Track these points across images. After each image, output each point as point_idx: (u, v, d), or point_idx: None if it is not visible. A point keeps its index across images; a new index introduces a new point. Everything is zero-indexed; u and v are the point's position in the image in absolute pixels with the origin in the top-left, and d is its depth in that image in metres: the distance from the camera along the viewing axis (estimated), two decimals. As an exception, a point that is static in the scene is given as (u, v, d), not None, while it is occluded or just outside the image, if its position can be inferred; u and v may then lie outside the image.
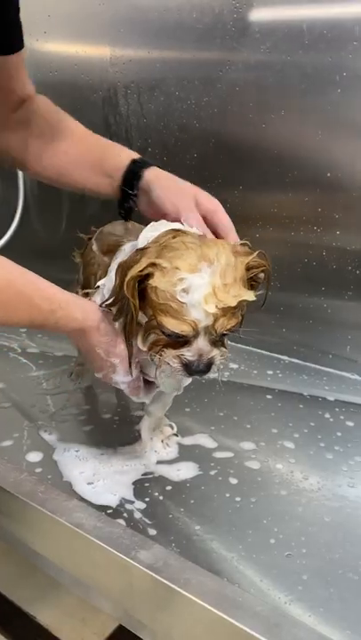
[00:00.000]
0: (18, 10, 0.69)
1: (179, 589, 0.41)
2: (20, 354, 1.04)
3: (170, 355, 0.57)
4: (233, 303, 0.54)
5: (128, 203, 0.71)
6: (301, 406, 0.87)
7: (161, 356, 0.57)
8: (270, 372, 0.97)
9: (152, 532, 0.61)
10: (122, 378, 0.64)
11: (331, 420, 0.83)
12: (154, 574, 0.42)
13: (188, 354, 0.56)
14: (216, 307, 0.53)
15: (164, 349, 0.57)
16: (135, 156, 0.71)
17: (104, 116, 1.11)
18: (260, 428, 0.81)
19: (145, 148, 1.07)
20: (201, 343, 0.56)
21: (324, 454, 0.75)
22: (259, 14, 0.91)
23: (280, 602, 0.53)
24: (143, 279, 0.56)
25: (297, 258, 0.96)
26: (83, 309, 0.61)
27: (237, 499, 0.67)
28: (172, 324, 0.55)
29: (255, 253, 0.59)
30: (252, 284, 0.59)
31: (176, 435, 0.77)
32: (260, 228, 0.98)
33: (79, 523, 0.48)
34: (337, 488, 0.69)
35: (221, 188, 1.00)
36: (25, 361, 1.02)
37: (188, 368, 0.57)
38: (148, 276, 0.55)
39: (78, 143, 0.74)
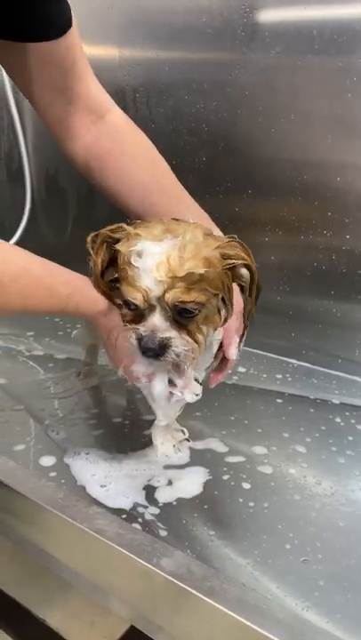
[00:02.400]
0: None
1: (203, 597, 0.41)
2: (28, 357, 1.04)
3: (129, 329, 0.56)
4: (181, 274, 0.52)
5: None
6: (312, 410, 0.87)
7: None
8: (280, 376, 0.97)
9: (166, 537, 0.60)
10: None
11: (342, 424, 0.83)
12: (178, 582, 0.42)
13: (142, 328, 0.55)
14: (166, 275, 0.52)
15: (128, 325, 0.57)
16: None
17: (112, 120, 1.11)
18: (271, 433, 0.81)
19: (153, 151, 1.07)
20: (156, 319, 0.54)
21: (337, 459, 0.75)
22: (268, 18, 0.91)
23: (297, 608, 0.53)
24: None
25: (306, 261, 0.96)
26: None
27: (251, 504, 0.67)
28: (126, 290, 0.55)
29: (228, 239, 0.57)
30: (240, 285, 0.59)
31: (188, 439, 0.77)
32: (270, 231, 0.98)
33: (100, 529, 0.48)
34: (350, 493, 0.69)
35: (230, 191, 1.01)
36: (32, 364, 1.02)
37: (140, 344, 0.55)
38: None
39: (168, 202, 0.73)
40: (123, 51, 1.07)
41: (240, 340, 0.68)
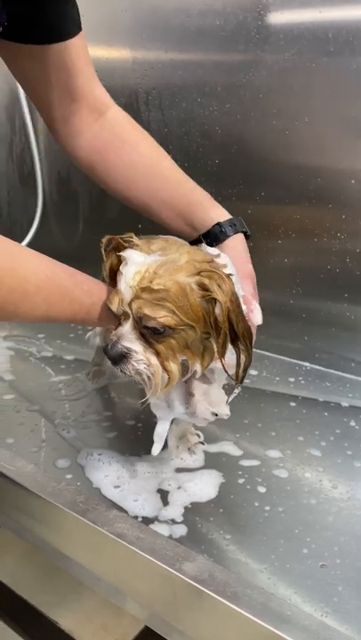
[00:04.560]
0: None
1: (227, 602, 0.41)
2: (40, 359, 1.05)
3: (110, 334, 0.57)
4: (144, 284, 0.53)
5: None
6: (326, 414, 0.87)
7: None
8: (292, 379, 0.97)
9: (182, 540, 0.60)
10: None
11: (356, 427, 0.83)
12: (201, 587, 0.42)
13: (112, 333, 0.56)
14: (136, 284, 0.53)
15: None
16: (222, 217, 0.71)
17: (125, 122, 1.11)
18: (285, 436, 0.80)
19: (166, 154, 1.07)
20: (125, 327, 0.55)
21: (352, 462, 0.75)
22: (283, 20, 0.91)
23: (316, 614, 0.53)
24: None
25: (320, 265, 0.95)
26: None
27: (267, 508, 0.66)
28: (110, 294, 0.56)
29: (211, 269, 0.54)
30: (217, 325, 0.54)
31: (202, 443, 0.77)
32: (283, 234, 0.98)
33: (121, 533, 0.48)
34: (366, 497, 0.68)
35: (243, 194, 1.01)
36: (44, 366, 1.02)
37: (104, 348, 0.56)
38: None
39: (171, 187, 0.74)
40: (136, 53, 1.07)
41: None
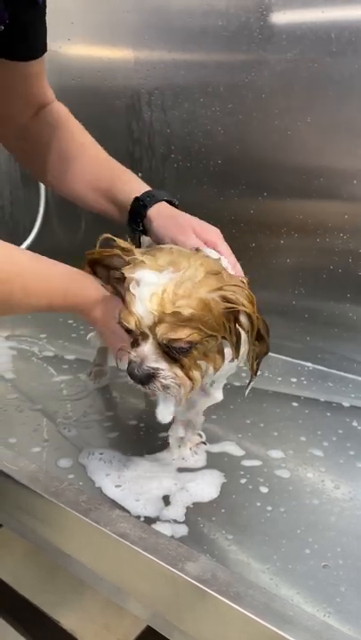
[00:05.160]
0: (42, 15, 0.69)
1: (229, 602, 0.41)
2: (42, 358, 1.05)
3: (125, 350, 0.56)
4: (169, 310, 0.52)
5: (138, 232, 0.73)
6: (328, 414, 0.86)
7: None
8: (294, 380, 0.97)
9: (184, 540, 0.60)
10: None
11: (358, 427, 0.83)
12: (203, 587, 0.42)
13: (133, 354, 0.55)
14: (156, 309, 0.51)
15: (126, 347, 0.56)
16: (140, 190, 0.72)
17: (127, 123, 1.11)
18: (287, 436, 0.80)
19: (168, 154, 1.07)
20: (147, 348, 0.54)
21: (355, 463, 0.75)
22: (285, 20, 0.91)
23: (319, 614, 0.53)
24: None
25: (322, 264, 0.95)
26: (93, 282, 0.64)
27: (269, 508, 0.66)
28: (122, 314, 0.54)
29: (232, 282, 0.55)
30: (238, 332, 0.56)
31: (204, 443, 0.77)
32: (285, 234, 0.98)
33: (123, 533, 0.48)
34: (369, 498, 0.68)
35: (245, 194, 1.01)
36: (46, 365, 1.02)
37: (128, 369, 0.55)
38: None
39: (92, 166, 0.76)
40: (138, 53, 1.07)
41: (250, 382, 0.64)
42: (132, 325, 0.54)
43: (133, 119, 1.10)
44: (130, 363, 0.55)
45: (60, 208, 1.34)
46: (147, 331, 0.53)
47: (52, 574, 1.04)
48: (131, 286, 0.53)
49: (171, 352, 0.54)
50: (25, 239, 1.35)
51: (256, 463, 0.74)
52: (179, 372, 0.55)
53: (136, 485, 0.68)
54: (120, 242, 0.59)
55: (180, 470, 0.72)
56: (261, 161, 0.97)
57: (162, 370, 0.54)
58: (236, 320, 0.55)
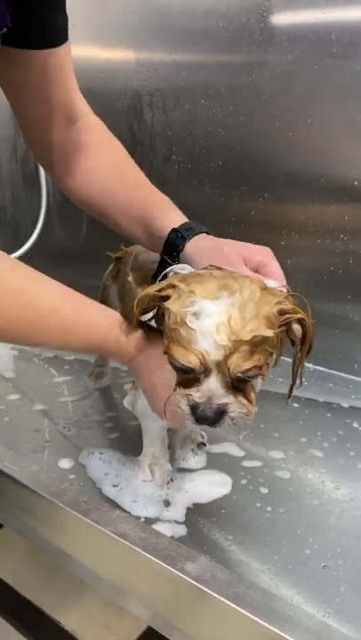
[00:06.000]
0: (57, 1, 0.66)
1: (229, 603, 0.41)
2: (43, 359, 1.05)
3: (179, 394, 0.50)
4: (247, 337, 0.48)
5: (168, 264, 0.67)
6: (329, 415, 0.87)
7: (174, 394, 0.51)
8: (295, 380, 0.97)
9: (184, 541, 0.61)
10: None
11: (359, 428, 0.83)
12: (203, 587, 0.43)
13: (197, 394, 0.49)
14: (228, 339, 0.47)
15: (176, 388, 0.51)
16: (178, 221, 0.66)
17: (128, 124, 1.11)
18: (288, 437, 0.80)
19: (169, 156, 1.07)
20: (212, 383, 0.49)
21: (355, 464, 0.75)
22: (286, 22, 0.91)
23: (318, 615, 0.53)
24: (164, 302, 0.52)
25: (323, 266, 0.96)
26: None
27: (269, 508, 0.67)
28: (178, 353, 0.49)
29: (286, 294, 0.52)
30: (292, 339, 0.53)
31: (205, 444, 0.77)
32: (286, 235, 0.98)
33: (124, 533, 0.48)
34: (369, 498, 0.69)
35: (246, 196, 1.01)
36: (47, 366, 1.02)
37: (195, 412, 0.49)
38: (167, 298, 0.52)
39: (129, 190, 0.71)
40: (139, 55, 1.08)
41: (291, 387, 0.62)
42: (194, 364, 0.48)
43: (135, 120, 1.11)
44: (196, 406, 0.49)
45: (62, 209, 1.34)
46: (212, 366, 0.49)
47: (53, 574, 1.04)
48: (188, 320, 0.48)
49: (235, 382, 0.50)
50: (26, 240, 1.35)
51: (256, 464, 0.74)
52: (244, 400, 0.51)
53: (136, 486, 0.68)
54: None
55: (181, 471, 0.72)
56: (262, 162, 0.98)
57: (230, 404, 0.49)
58: (288, 329, 0.53)
